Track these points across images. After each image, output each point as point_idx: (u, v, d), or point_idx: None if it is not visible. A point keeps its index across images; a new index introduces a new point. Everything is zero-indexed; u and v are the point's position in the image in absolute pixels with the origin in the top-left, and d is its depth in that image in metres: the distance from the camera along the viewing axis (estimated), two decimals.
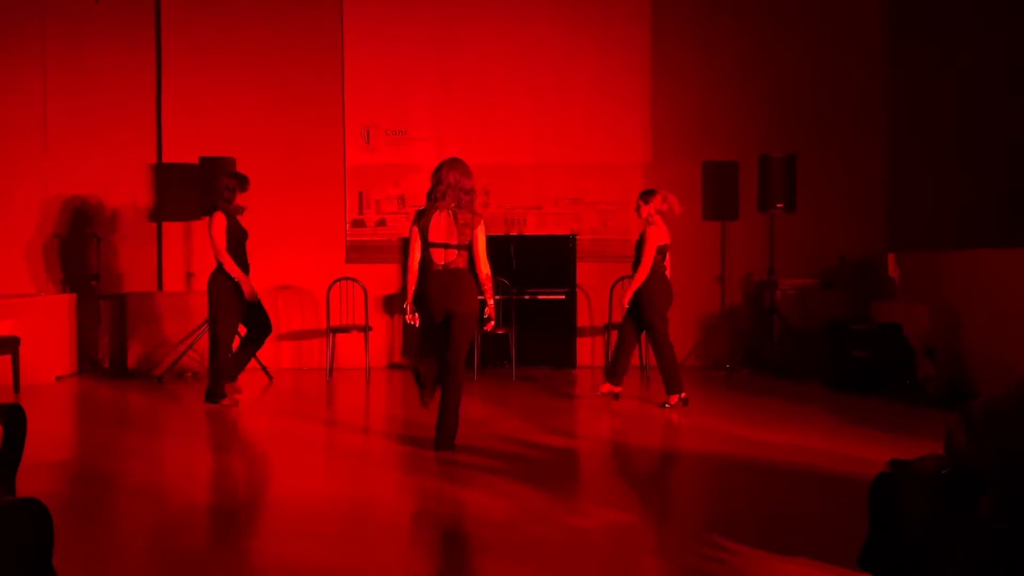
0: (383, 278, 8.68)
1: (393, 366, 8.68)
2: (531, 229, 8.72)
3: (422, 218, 5.02)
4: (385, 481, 4.67)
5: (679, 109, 8.73)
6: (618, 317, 8.22)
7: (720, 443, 5.29)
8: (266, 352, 8.45)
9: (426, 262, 5.01)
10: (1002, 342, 6.08)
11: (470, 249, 4.99)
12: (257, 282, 8.68)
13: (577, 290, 8.41)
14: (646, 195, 6.59)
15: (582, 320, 8.51)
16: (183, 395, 7.24)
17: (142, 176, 8.74)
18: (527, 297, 8.17)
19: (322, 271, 8.45)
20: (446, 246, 4.96)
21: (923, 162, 8.22)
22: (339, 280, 8.19)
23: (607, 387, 6.62)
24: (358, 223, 8.73)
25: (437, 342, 5.05)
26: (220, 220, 6.34)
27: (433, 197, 5.01)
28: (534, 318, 8.18)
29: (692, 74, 8.73)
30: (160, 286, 8.73)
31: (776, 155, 8.01)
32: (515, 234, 8.68)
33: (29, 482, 3.18)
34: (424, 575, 3.28)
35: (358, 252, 8.74)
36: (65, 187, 8.59)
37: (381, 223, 8.73)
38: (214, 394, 6.43)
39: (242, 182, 6.46)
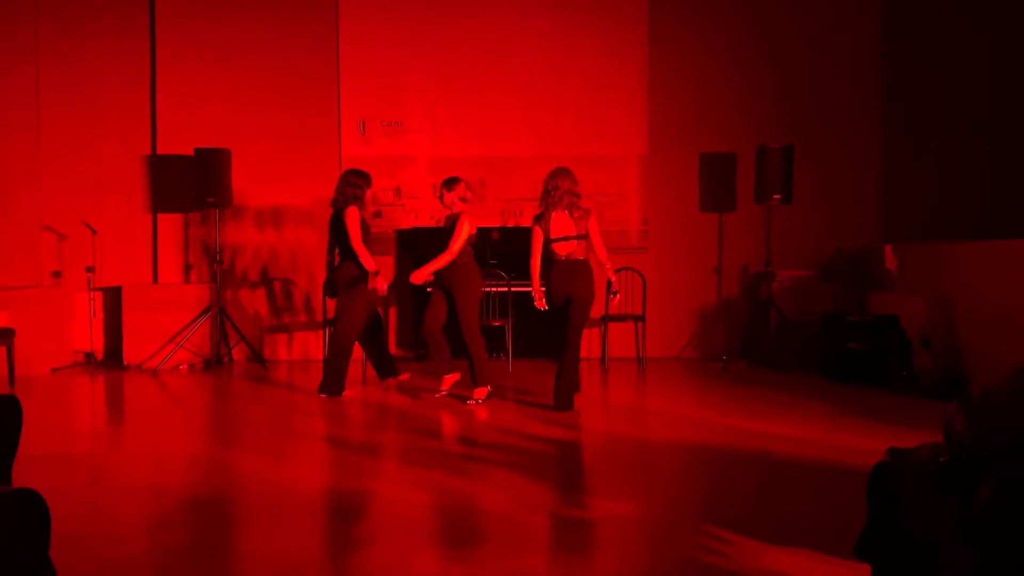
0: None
1: None
2: (527, 221, 8.68)
3: (541, 220, 5.91)
4: (382, 472, 4.67)
5: (676, 100, 8.71)
6: (615, 309, 8.23)
7: (717, 434, 5.29)
8: (260, 344, 8.47)
9: (548, 255, 5.91)
10: (998, 333, 6.09)
11: (587, 238, 5.88)
12: (254, 274, 8.71)
13: None
14: (449, 183, 6.37)
15: None
16: (178, 388, 7.23)
17: (137, 167, 8.72)
18: (524, 289, 8.14)
19: (317, 263, 8.43)
20: (567, 239, 5.83)
21: (920, 153, 8.22)
22: None
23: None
24: None
25: (561, 317, 5.92)
26: (355, 214, 6.39)
27: (549, 201, 5.88)
28: (530, 310, 8.13)
29: (689, 65, 8.71)
30: (156, 278, 8.71)
31: (773, 146, 8.01)
32: (512, 226, 8.67)
33: (25, 474, 3.17)
34: (422, 567, 3.28)
35: None
36: (59, 178, 8.56)
37: (377, 215, 8.70)
38: (333, 387, 6.48)
39: (368, 179, 6.57)
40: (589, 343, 8.55)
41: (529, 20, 8.72)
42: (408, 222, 8.70)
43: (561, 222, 5.87)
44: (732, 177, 8.64)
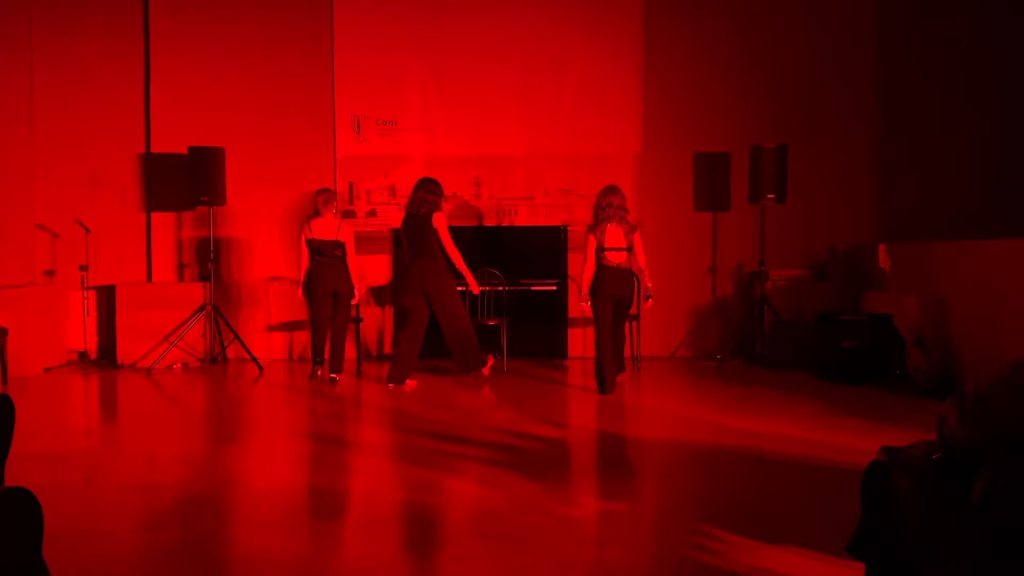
0: (374, 269, 8.64)
1: (383, 357, 8.66)
2: (522, 220, 8.71)
3: (595, 229, 6.65)
4: (377, 471, 4.67)
5: (670, 99, 8.71)
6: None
7: (711, 433, 5.30)
8: (257, 343, 8.45)
9: (600, 261, 6.62)
10: (991, 332, 6.10)
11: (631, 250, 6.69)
12: (248, 273, 8.69)
13: (568, 281, 8.40)
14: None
15: (573, 311, 8.49)
16: (172, 387, 7.21)
17: (131, 166, 8.69)
18: (518, 288, 8.16)
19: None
20: (618, 249, 6.61)
21: (914, 153, 8.24)
22: None
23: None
24: (348, 214, 8.69)
25: (605, 315, 6.64)
26: (444, 218, 7.00)
27: (603, 216, 6.66)
28: (525, 309, 8.17)
29: (684, 64, 8.71)
30: (149, 277, 8.69)
31: (767, 145, 8.02)
32: (506, 225, 8.67)
33: (18, 473, 3.16)
34: (417, 566, 3.27)
35: None
36: (53, 176, 8.52)
37: (372, 214, 8.69)
38: (477, 361, 7.07)
39: (440, 188, 7.13)
40: (584, 343, 8.56)
41: (524, 18, 8.71)
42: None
43: (615, 234, 6.64)
44: (726, 176, 8.65)
